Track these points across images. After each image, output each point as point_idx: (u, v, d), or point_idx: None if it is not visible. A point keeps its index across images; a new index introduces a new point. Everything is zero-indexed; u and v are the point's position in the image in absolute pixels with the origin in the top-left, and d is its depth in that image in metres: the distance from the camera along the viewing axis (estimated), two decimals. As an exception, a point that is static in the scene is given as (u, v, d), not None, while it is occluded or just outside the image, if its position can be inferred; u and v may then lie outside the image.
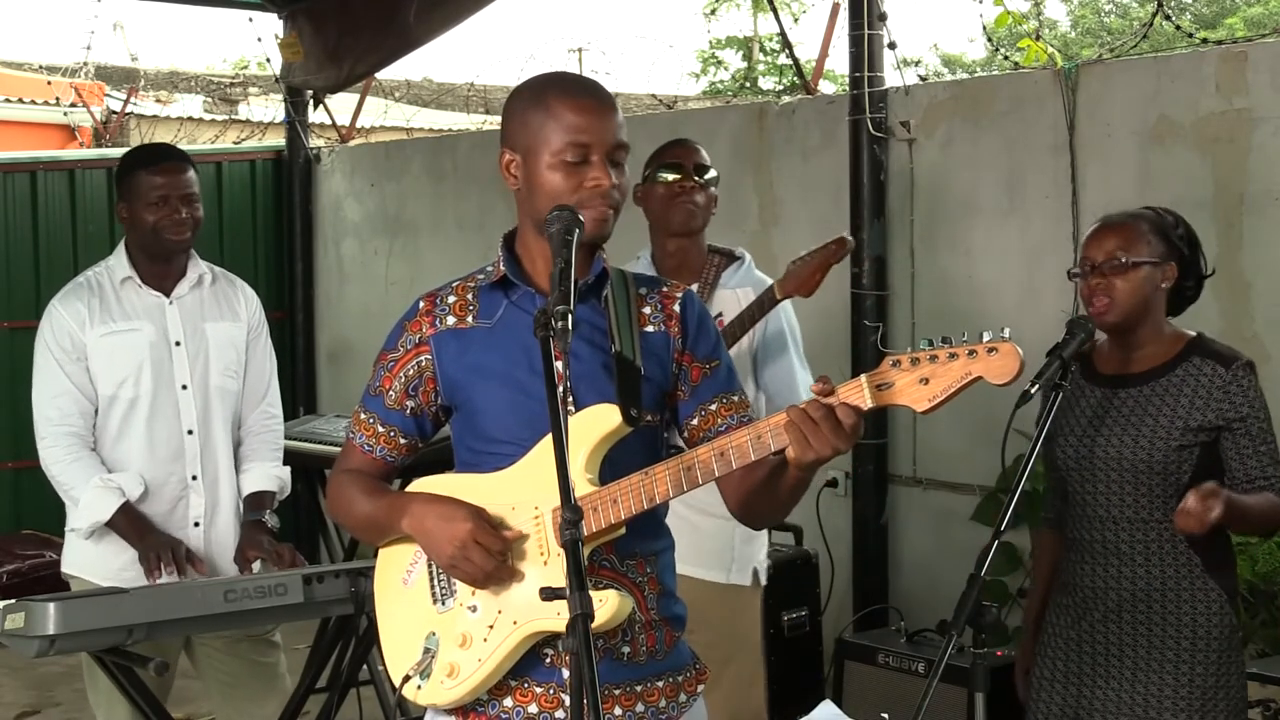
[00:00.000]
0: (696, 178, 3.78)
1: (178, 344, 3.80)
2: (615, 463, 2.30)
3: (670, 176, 3.77)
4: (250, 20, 8.18)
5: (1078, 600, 3.22)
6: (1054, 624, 3.29)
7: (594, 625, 1.99)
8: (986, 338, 2.11)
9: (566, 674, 2.28)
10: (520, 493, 2.32)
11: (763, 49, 19.66)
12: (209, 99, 14.86)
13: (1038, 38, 5.46)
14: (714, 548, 3.67)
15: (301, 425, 6.75)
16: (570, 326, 2.09)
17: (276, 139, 8.96)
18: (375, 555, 2.54)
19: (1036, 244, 5.23)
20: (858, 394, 2.14)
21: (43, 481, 3.78)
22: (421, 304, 2.49)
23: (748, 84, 18.11)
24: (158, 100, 14.61)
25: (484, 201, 7.39)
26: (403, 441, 2.51)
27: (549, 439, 2.09)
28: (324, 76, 7.79)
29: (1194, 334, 3.18)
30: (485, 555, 2.27)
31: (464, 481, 2.41)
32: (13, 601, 3.16)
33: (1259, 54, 4.69)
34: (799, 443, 2.14)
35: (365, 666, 3.77)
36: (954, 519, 5.38)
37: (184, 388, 3.79)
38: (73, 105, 12.61)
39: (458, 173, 7.79)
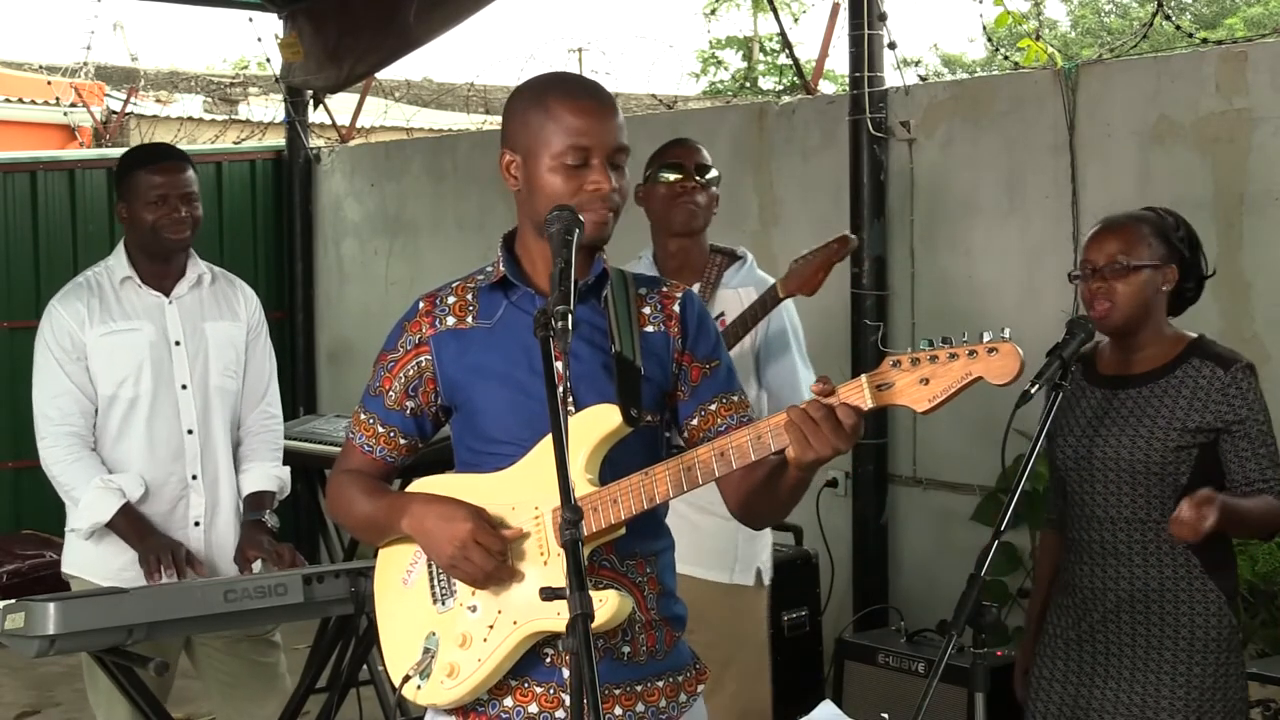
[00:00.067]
0: (698, 177, 3.78)
1: (177, 344, 3.80)
2: (615, 463, 2.30)
3: (671, 176, 3.77)
4: (250, 20, 8.18)
5: (1077, 601, 3.22)
6: (1054, 624, 3.29)
7: (594, 625, 1.99)
8: (987, 338, 2.11)
9: (567, 674, 2.28)
10: (520, 493, 2.32)
11: (763, 49, 19.66)
12: (209, 99, 14.86)
13: (1038, 38, 5.46)
14: (717, 548, 3.67)
15: (301, 425, 6.75)
16: (570, 326, 2.09)
17: (276, 139, 8.96)
18: (375, 555, 2.54)
19: (1036, 244, 5.23)
20: (858, 394, 2.14)
21: (43, 481, 3.78)
22: (421, 304, 2.49)
23: (748, 84, 18.11)
24: (158, 100, 14.62)
25: (484, 201, 7.39)
26: (402, 442, 2.51)
27: (549, 439, 2.09)
28: (324, 76, 7.79)
29: (1195, 336, 3.18)
30: (485, 555, 2.27)
31: (464, 481, 2.41)
32: (13, 601, 3.16)
33: (1259, 54, 4.69)
34: (799, 443, 2.14)
35: (365, 666, 3.77)
36: (954, 519, 5.38)
37: (184, 387, 3.79)
38: (73, 105, 12.61)
39: (458, 173, 7.79)
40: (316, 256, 8.62)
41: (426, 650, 2.38)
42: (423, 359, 2.45)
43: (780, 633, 4.85)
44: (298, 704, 3.73)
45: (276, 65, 8.21)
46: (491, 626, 2.32)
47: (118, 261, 3.81)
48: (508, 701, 2.37)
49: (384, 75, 8.53)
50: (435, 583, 2.41)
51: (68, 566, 3.80)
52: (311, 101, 8.45)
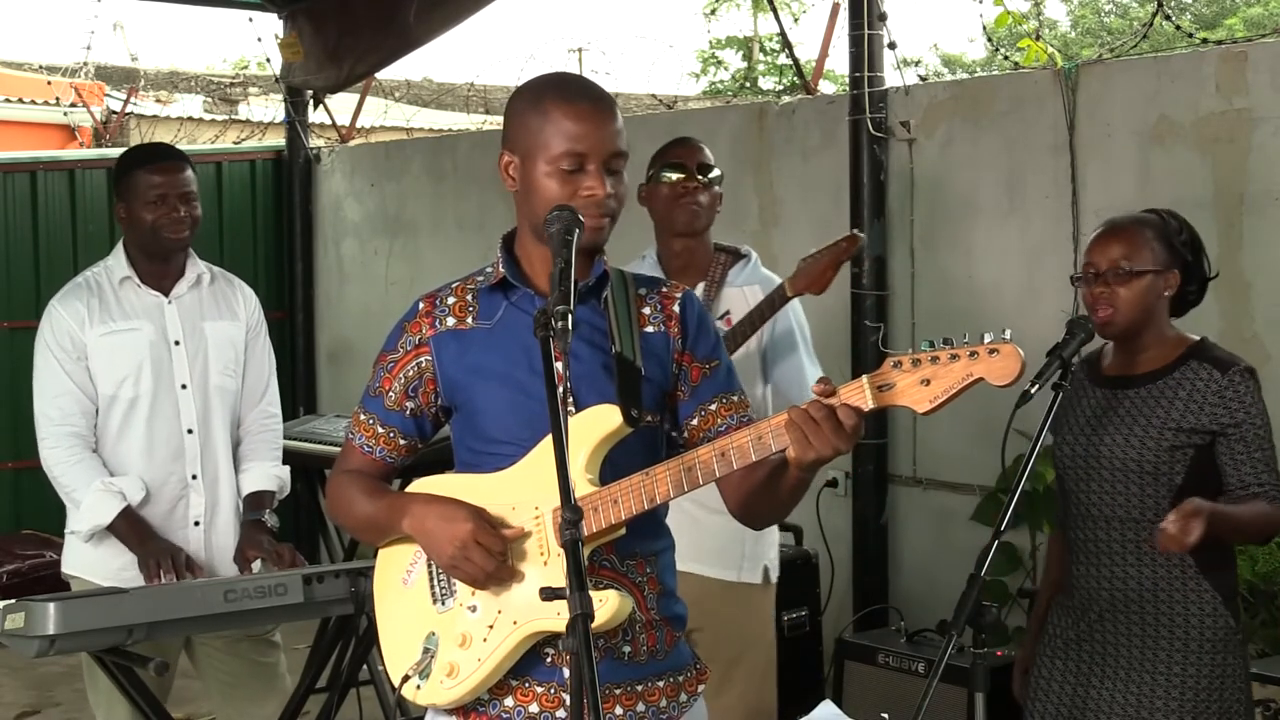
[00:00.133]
0: (700, 177, 3.77)
1: (177, 343, 3.80)
2: (615, 463, 2.30)
3: (674, 176, 3.77)
4: (250, 20, 8.18)
5: (1075, 601, 3.23)
6: (1054, 624, 3.30)
7: (594, 625, 1.99)
8: (987, 339, 2.11)
9: (567, 674, 2.28)
10: (520, 493, 2.32)
11: (763, 49, 19.67)
12: (209, 99, 14.86)
13: (1038, 38, 5.46)
14: (724, 546, 3.66)
15: (301, 425, 6.76)
16: (570, 326, 2.09)
17: (276, 139, 8.97)
18: (375, 555, 2.54)
19: (1036, 244, 5.23)
20: (859, 395, 2.14)
21: (43, 481, 3.78)
22: (421, 305, 2.49)
23: (748, 84, 18.11)
24: (158, 100, 14.62)
25: (484, 201, 7.40)
26: (402, 442, 2.51)
27: (549, 439, 2.09)
28: (324, 76, 7.79)
29: (1197, 339, 3.18)
30: (486, 556, 2.27)
31: (464, 482, 2.41)
32: (13, 601, 3.16)
33: (1259, 54, 4.69)
34: (799, 443, 2.14)
35: (365, 666, 3.77)
36: (954, 519, 5.38)
37: (183, 387, 3.79)
38: (73, 105, 12.61)
39: (458, 173, 7.79)
40: (316, 256, 8.62)
41: (426, 650, 2.38)
42: (423, 359, 2.45)
43: (780, 633, 4.84)
44: (298, 704, 3.73)
45: (276, 65, 8.21)
46: (491, 626, 2.32)
47: (117, 261, 3.81)
48: (508, 701, 2.37)
49: (384, 75, 8.53)
50: (435, 583, 2.41)
51: (68, 567, 3.80)
52: (311, 101, 8.45)
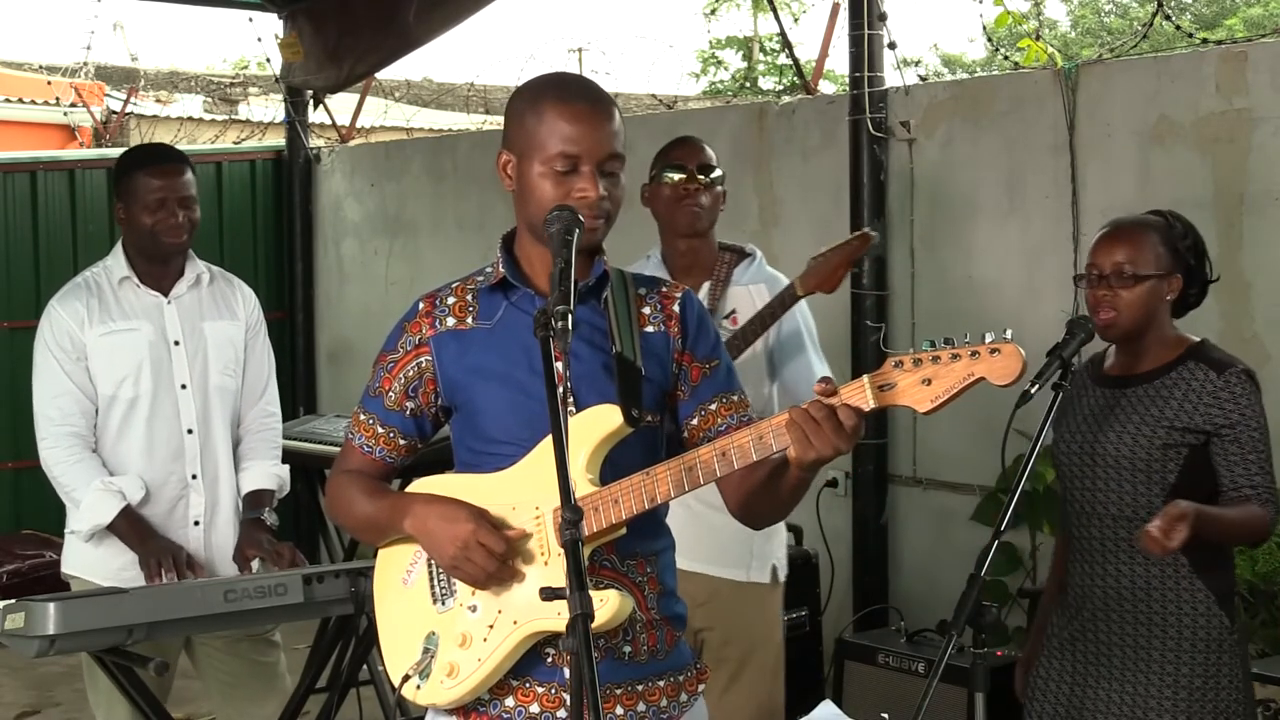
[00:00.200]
0: (701, 177, 3.75)
1: (176, 343, 3.79)
2: (616, 463, 2.30)
3: (675, 177, 3.75)
4: (250, 20, 8.18)
5: (1071, 599, 3.24)
6: (1054, 623, 3.31)
7: (595, 625, 1.99)
8: (989, 338, 2.11)
9: (568, 673, 2.28)
10: (521, 493, 2.32)
11: (763, 49, 19.67)
12: (209, 99, 14.86)
13: (1038, 38, 5.46)
14: (732, 545, 3.65)
15: (301, 425, 6.75)
16: (570, 326, 2.09)
17: (276, 139, 8.97)
18: (375, 555, 2.54)
19: (1036, 244, 5.23)
20: (860, 395, 2.14)
21: (43, 481, 3.78)
22: (421, 305, 2.49)
23: (748, 84, 18.11)
24: (158, 100, 14.62)
25: (484, 201, 7.40)
26: (402, 443, 2.51)
27: (549, 439, 2.09)
28: (324, 76, 7.79)
29: (1197, 340, 3.19)
30: (487, 556, 2.27)
31: (464, 482, 2.41)
32: (13, 601, 3.16)
33: (1259, 54, 4.69)
34: (800, 443, 2.14)
35: (365, 666, 3.77)
36: (954, 519, 5.38)
37: (183, 387, 3.79)
38: (73, 105, 12.61)
39: (458, 173, 7.79)
40: (316, 256, 8.63)
41: (426, 650, 2.38)
42: (423, 360, 2.45)
43: (781, 632, 4.86)
44: (298, 704, 3.73)
45: (276, 65, 8.21)
46: (492, 626, 2.32)
47: (116, 262, 3.81)
48: (509, 701, 2.37)
49: (384, 75, 8.53)
50: (435, 582, 2.40)
51: (67, 567, 3.80)
52: (311, 101, 8.46)
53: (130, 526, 3.64)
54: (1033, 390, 2.90)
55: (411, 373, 2.46)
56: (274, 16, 8.02)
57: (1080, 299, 3.25)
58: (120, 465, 3.72)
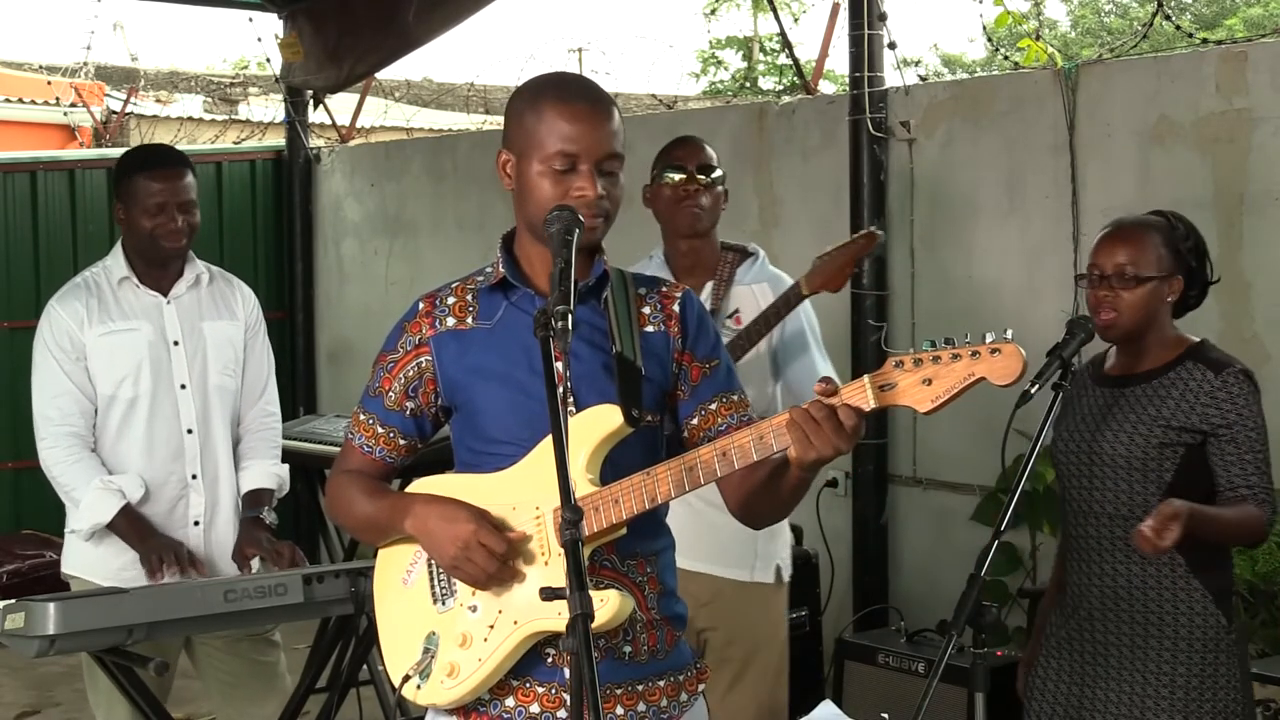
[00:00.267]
0: (701, 177, 3.74)
1: (176, 343, 3.79)
2: (616, 463, 2.30)
3: (675, 178, 3.75)
4: (250, 20, 8.19)
5: (1068, 598, 3.24)
6: (1053, 622, 3.31)
7: (595, 625, 1.99)
8: (989, 338, 2.11)
9: (568, 673, 2.28)
10: (521, 493, 2.32)
11: (763, 49, 19.66)
12: (209, 99, 14.86)
13: (1038, 38, 5.46)
14: (737, 545, 3.64)
15: (301, 425, 6.75)
16: (570, 326, 2.09)
17: (276, 139, 8.97)
18: (375, 555, 2.54)
19: (1036, 244, 5.23)
20: (860, 395, 2.14)
21: (43, 481, 3.78)
22: (421, 305, 2.49)
23: (748, 84, 18.11)
24: (158, 100, 14.62)
25: (484, 201, 7.40)
26: (402, 442, 2.51)
27: (549, 439, 2.09)
28: (324, 76, 7.80)
29: (1196, 340, 3.19)
30: (488, 557, 2.27)
31: (464, 482, 2.41)
32: (13, 601, 3.16)
33: (1259, 54, 4.69)
34: (801, 443, 2.14)
35: (365, 666, 3.77)
36: (954, 519, 5.38)
37: (183, 387, 3.79)
38: (73, 105, 12.62)
39: (458, 173, 7.79)
40: (316, 256, 8.63)
41: (426, 650, 2.37)
42: (423, 360, 2.45)
43: (781, 633, 4.85)
44: (298, 704, 3.73)
45: (276, 65, 8.22)
46: (492, 626, 2.32)
47: (115, 262, 3.81)
48: (509, 701, 2.37)
49: (384, 75, 8.53)
50: (435, 582, 2.40)
51: (67, 567, 3.80)
52: (311, 101, 8.46)
53: (130, 525, 3.64)
54: (1033, 390, 2.90)
55: (411, 373, 2.46)
56: (274, 16, 8.03)
57: (1080, 299, 3.25)
58: (120, 465, 3.72)
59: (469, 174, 7.62)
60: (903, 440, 5.62)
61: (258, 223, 8.65)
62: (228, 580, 3.43)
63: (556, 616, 2.20)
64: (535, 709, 2.35)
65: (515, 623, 2.30)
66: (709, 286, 3.74)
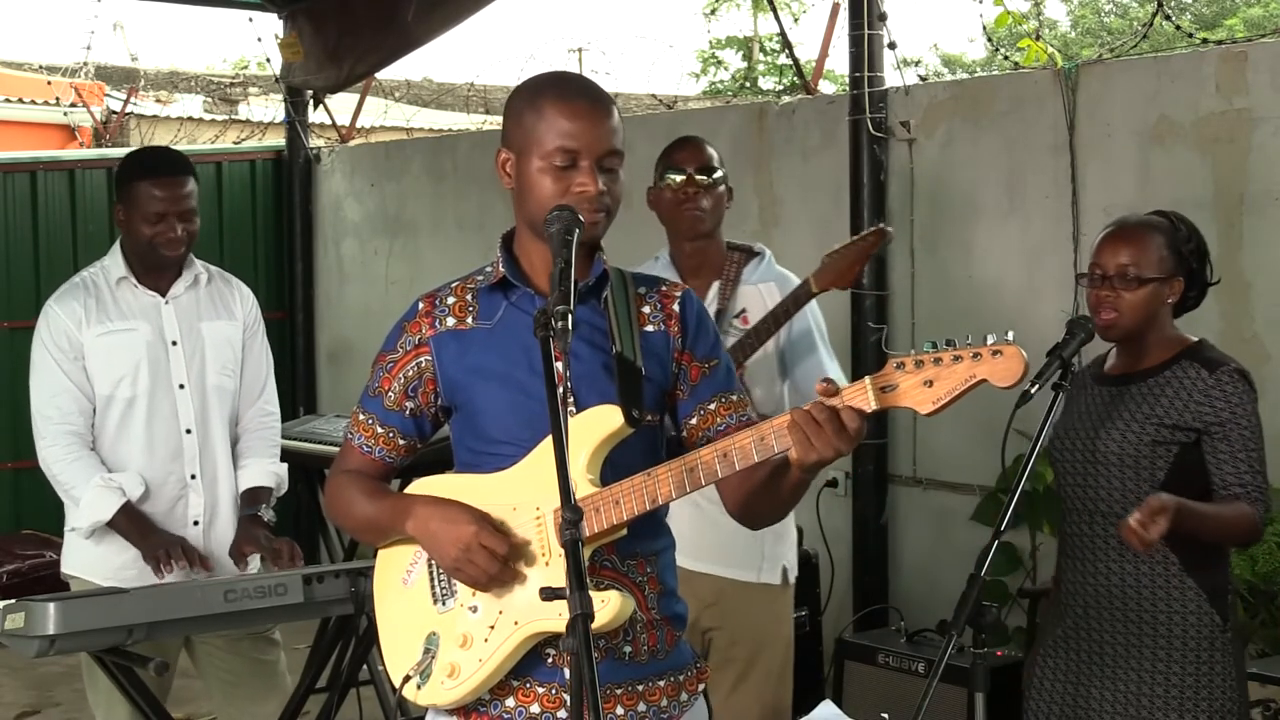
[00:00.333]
0: (701, 179, 3.74)
1: (174, 344, 3.79)
2: (616, 463, 2.30)
3: (676, 180, 3.75)
4: (250, 20, 8.19)
5: (1063, 596, 3.25)
6: (1050, 621, 3.32)
7: (595, 626, 1.99)
8: (990, 340, 2.11)
9: (569, 674, 2.28)
10: (521, 493, 2.32)
11: (763, 49, 19.66)
12: (209, 99, 14.86)
13: (1038, 38, 5.46)
14: (743, 547, 3.63)
15: (301, 425, 6.74)
16: (570, 326, 2.09)
17: (276, 139, 8.97)
18: (375, 555, 2.54)
19: (1036, 244, 5.23)
20: (862, 396, 2.14)
21: (43, 481, 3.78)
22: (421, 305, 2.48)
23: (748, 84, 18.10)
24: (158, 100, 14.62)
25: (484, 201, 7.40)
26: (402, 443, 2.51)
27: (549, 440, 2.09)
28: (324, 76, 7.80)
29: (1194, 340, 3.19)
30: (489, 558, 2.27)
31: (464, 482, 2.41)
32: (13, 601, 3.16)
33: (1259, 54, 4.69)
34: (802, 444, 2.14)
35: (365, 666, 3.77)
36: (954, 519, 5.38)
37: (181, 387, 3.78)
38: (73, 105, 12.62)
39: (458, 173, 7.79)
40: (316, 256, 8.63)
41: (427, 650, 2.37)
42: (423, 360, 2.45)
43: (781, 633, 4.85)
44: (298, 704, 3.73)
45: (276, 65, 8.22)
46: (492, 627, 2.32)
47: (114, 262, 3.80)
48: (510, 702, 2.36)
49: (384, 75, 8.53)
50: (436, 583, 2.40)
51: (67, 567, 3.80)
52: (311, 101, 8.46)
53: (130, 522, 3.64)
54: (1033, 390, 2.90)
55: (411, 373, 2.46)
56: (274, 16, 8.03)
57: (1081, 299, 3.25)
58: (119, 465, 3.72)
59: (469, 174, 7.62)
60: (903, 440, 5.62)
61: (258, 223, 8.65)
62: (228, 580, 3.43)
63: (557, 617, 2.20)
64: (535, 709, 2.35)
65: (516, 623, 2.30)
66: (715, 287, 3.73)
